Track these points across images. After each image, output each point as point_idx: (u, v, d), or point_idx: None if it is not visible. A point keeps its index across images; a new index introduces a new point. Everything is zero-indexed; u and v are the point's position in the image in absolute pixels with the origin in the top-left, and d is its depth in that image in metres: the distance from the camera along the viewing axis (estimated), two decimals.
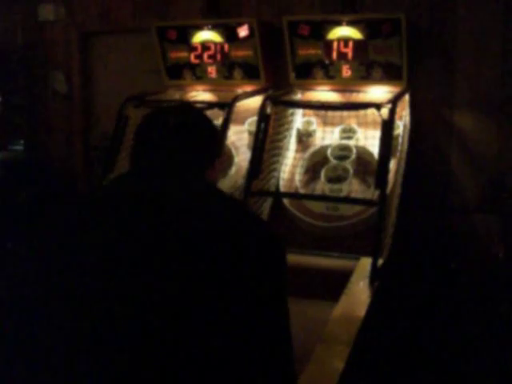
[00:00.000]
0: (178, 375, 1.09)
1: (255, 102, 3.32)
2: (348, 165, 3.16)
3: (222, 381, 1.10)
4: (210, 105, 3.33)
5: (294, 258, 2.89)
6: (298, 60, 3.46)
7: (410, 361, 3.00)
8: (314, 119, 3.42)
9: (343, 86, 3.45)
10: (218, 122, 3.20)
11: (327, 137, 3.36)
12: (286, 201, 3.17)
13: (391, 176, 2.94)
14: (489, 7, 3.34)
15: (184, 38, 3.67)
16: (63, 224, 1.24)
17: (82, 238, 1.19)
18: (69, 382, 1.12)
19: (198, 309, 1.10)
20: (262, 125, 3.08)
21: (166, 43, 3.72)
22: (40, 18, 4.53)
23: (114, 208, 1.22)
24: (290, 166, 3.29)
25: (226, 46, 3.60)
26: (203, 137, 1.36)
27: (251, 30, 3.49)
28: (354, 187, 3.13)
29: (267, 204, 3.22)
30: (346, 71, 3.38)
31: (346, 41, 3.32)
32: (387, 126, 2.81)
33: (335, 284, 2.54)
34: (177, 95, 3.72)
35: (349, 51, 3.33)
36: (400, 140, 3.11)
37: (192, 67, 3.72)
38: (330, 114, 3.34)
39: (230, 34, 3.56)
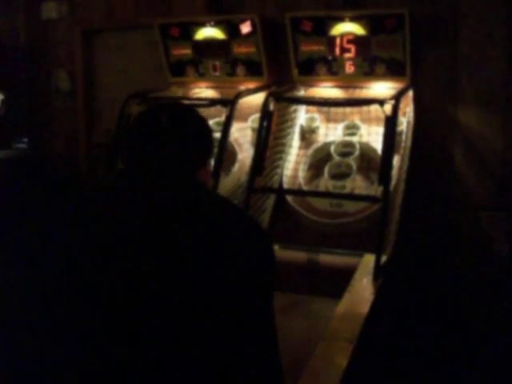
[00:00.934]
0: (168, 375, 1.08)
1: (258, 98, 3.30)
2: (351, 161, 3.14)
3: (208, 379, 1.09)
4: (213, 102, 3.33)
5: (296, 255, 2.90)
6: (301, 56, 3.44)
7: (413, 358, 2.99)
8: (317, 116, 3.41)
9: (346, 82, 3.43)
10: (221, 118, 3.20)
11: (330, 133, 3.34)
12: (289, 197, 3.16)
13: (395, 172, 2.92)
14: (493, 3, 3.32)
15: (187, 35, 3.66)
16: (51, 225, 1.24)
17: (69, 237, 1.19)
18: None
19: (189, 308, 1.09)
20: (265, 121, 3.06)
21: (169, 40, 3.71)
22: (43, 16, 4.54)
23: (103, 206, 1.22)
24: (293, 162, 3.27)
25: (229, 43, 3.58)
26: (196, 135, 1.35)
27: (254, 26, 3.48)
28: (357, 184, 3.12)
29: (270, 201, 3.21)
30: (349, 67, 3.36)
31: (348, 37, 3.31)
32: (390, 122, 2.80)
33: (338, 281, 2.54)
34: (180, 92, 3.71)
35: (352, 47, 3.31)
36: (404, 136, 3.09)
37: (195, 64, 3.72)
38: (333, 110, 3.32)
39: (232, 31, 3.55)
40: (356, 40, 3.30)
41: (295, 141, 3.37)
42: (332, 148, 3.23)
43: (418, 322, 3.16)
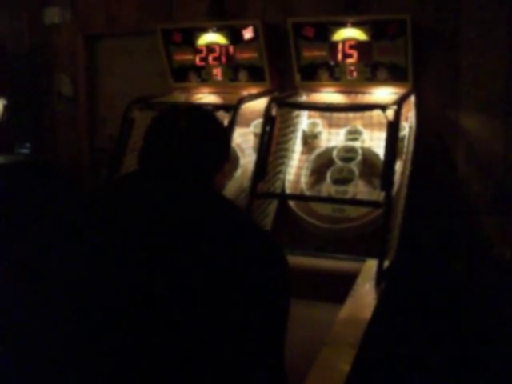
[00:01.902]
0: (171, 373, 1.08)
1: (260, 104, 3.31)
2: (354, 166, 3.15)
3: (213, 378, 1.09)
4: (216, 107, 3.33)
5: (299, 260, 2.90)
6: (303, 62, 3.45)
7: (416, 363, 2.98)
8: (319, 121, 3.41)
9: (348, 88, 3.44)
10: (224, 124, 3.21)
11: (333, 138, 3.35)
12: (291, 203, 3.16)
13: (397, 177, 2.92)
14: (494, 8, 3.33)
15: (189, 41, 3.68)
16: (59, 225, 1.24)
17: (77, 238, 1.18)
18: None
19: (197, 310, 1.09)
20: (268, 127, 3.07)
21: (171, 46, 3.72)
22: (46, 22, 4.55)
23: (113, 208, 1.21)
24: (295, 167, 3.28)
25: (231, 48, 3.60)
26: (214, 139, 1.35)
27: (256, 32, 3.49)
28: (359, 189, 3.12)
29: (273, 206, 3.21)
30: (351, 73, 3.37)
31: (351, 42, 3.31)
32: (392, 128, 2.80)
33: (341, 286, 2.53)
34: (182, 98, 3.73)
35: (354, 53, 3.32)
36: (406, 141, 3.09)
37: (197, 70, 3.73)
38: (336, 115, 3.33)
39: (235, 36, 3.57)
40: (358, 45, 3.31)
41: (297, 146, 3.37)
42: (334, 153, 3.24)
43: (420, 327, 3.16)
